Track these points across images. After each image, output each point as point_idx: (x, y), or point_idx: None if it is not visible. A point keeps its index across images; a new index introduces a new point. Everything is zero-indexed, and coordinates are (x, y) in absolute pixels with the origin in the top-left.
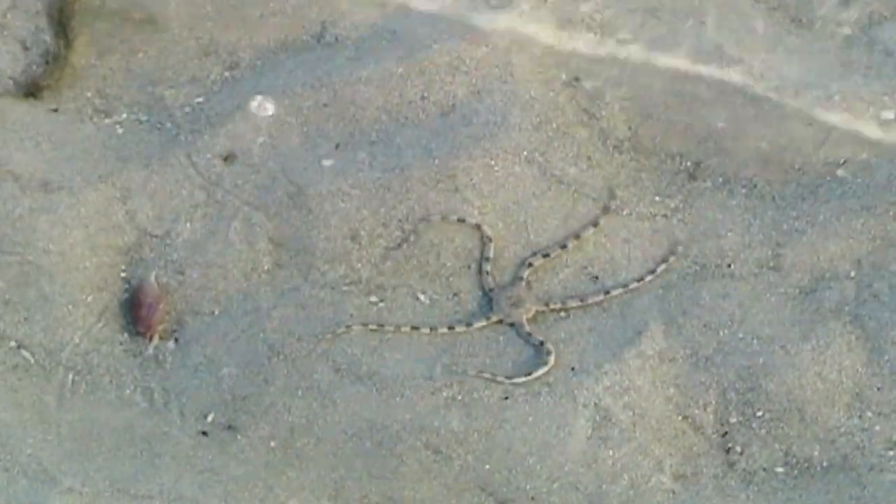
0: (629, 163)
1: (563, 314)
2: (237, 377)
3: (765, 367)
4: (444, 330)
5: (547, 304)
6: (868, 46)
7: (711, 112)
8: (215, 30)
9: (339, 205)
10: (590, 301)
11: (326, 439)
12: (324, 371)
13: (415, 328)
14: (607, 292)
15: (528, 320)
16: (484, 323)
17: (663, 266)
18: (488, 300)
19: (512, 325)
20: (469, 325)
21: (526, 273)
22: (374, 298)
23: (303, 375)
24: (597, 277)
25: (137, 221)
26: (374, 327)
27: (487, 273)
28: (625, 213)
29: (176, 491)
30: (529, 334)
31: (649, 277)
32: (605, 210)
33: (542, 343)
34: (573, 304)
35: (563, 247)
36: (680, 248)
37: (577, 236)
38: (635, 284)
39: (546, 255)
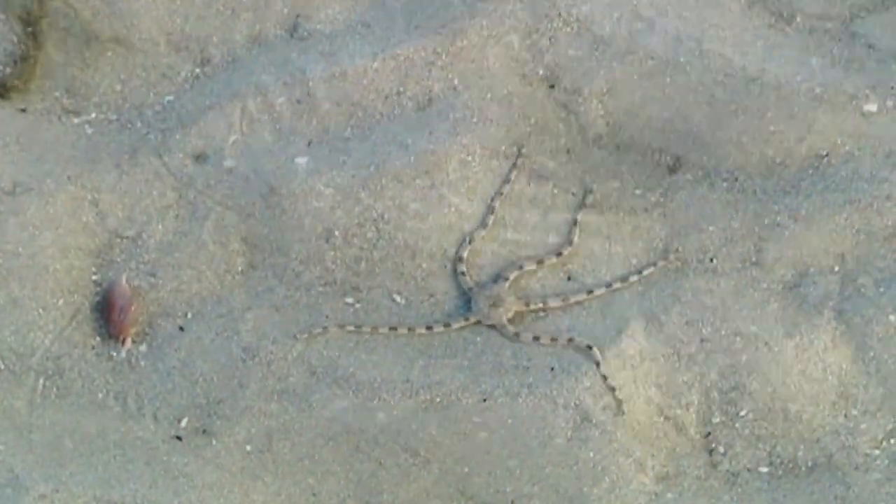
0: (608, 157)
1: (541, 313)
2: (211, 380)
3: (748, 365)
4: (423, 330)
5: (527, 304)
6: (850, 40)
7: (691, 106)
8: (186, 26)
9: (312, 204)
10: (572, 300)
11: (303, 443)
12: (299, 374)
13: (392, 328)
14: (590, 291)
15: (508, 321)
16: (462, 323)
17: (650, 269)
18: (466, 300)
19: (492, 326)
20: (447, 325)
21: (513, 275)
22: (349, 299)
23: (278, 378)
24: (569, 278)
25: (108, 223)
26: (351, 328)
27: (463, 273)
28: (605, 208)
29: (150, 497)
30: (516, 334)
31: (634, 278)
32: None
33: (536, 338)
34: (554, 303)
35: (559, 255)
36: (672, 254)
37: (570, 242)
38: (619, 285)
39: (540, 262)
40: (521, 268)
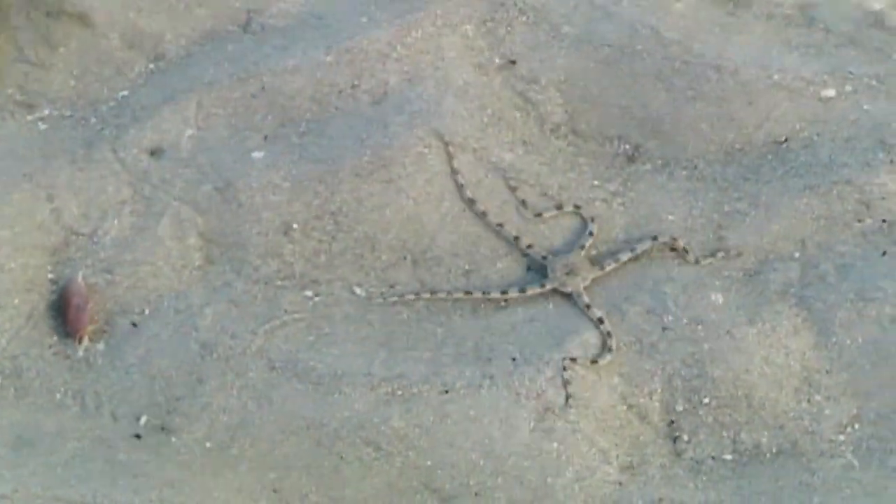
0: (567, 147)
1: (503, 303)
2: (170, 377)
3: (711, 352)
4: (496, 294)
5: (602, 268)
6: (807, 25)
7: (649, 94)
8: (139, 21)
9: (270, 198)
10: (639, 250)
11: (264, 439)
12: (259, 369)
13: (467, 293)
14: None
15: (585, 289)
16: (538, 290)
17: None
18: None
19: (568, 294)
20: (523, 290)
21: (588, 242)
22: (308, 293)
23: (237, 374)
24: (529, 268)
25: (63, 220)
26: (427, 295)
27: (530, 246)
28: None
29: (110, 496)
30: (588, 307)
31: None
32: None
33: (601, 321)
34: (624, 257)
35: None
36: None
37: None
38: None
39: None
40: (591, 234)
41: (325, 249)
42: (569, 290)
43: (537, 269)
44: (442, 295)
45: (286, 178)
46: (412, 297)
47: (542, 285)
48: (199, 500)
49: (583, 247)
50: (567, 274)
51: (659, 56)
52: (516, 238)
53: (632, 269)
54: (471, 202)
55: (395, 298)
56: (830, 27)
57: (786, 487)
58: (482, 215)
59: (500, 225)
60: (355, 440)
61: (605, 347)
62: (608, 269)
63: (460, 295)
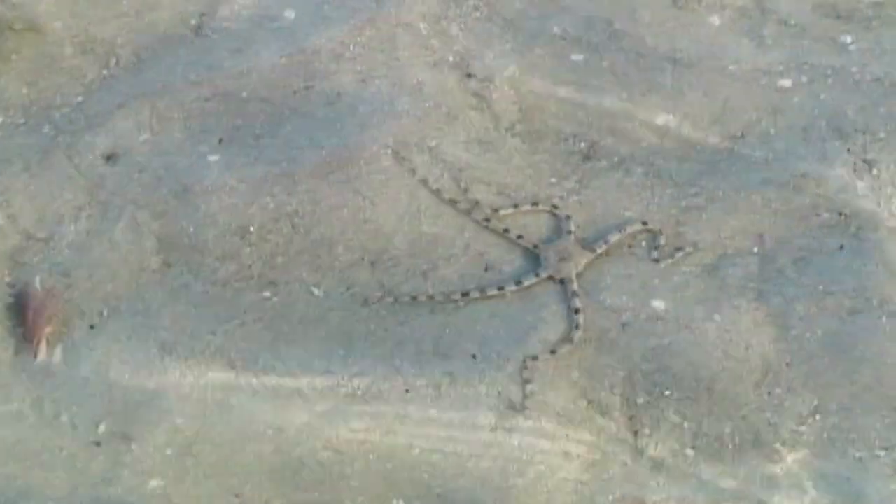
0: (522, 145)
1: (460, 303)
2: (128, 383)
3: (671, 347)
4: (495, 291)
5: (594, 251)
6: (762, 16)
7: (604, 90)
8: (91, 28)
9: (226, 200)
10: (629, 230)
11: (224, 444)
12: (218, 372)
13: (465, 294)
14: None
15: (577, 275)
16: (534, 280)
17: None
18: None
19: (562, 281)
20: (519, 283)
21: (573, 226)
22: (266, 294)
23: (197, 378)
24: (486, 269)
25: (20, 225)
26: (423, 298)
27: (520, 237)
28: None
29: None
30: (574, 294)
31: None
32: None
33: (577, 311)
34: (613, 238)
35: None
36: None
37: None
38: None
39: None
40: (569, 217)
41: (282, 251)
42: (562, 276)
43: (495, 269)
44: (440, 298)
45: (242, 180)
46: (408, 299)
47: (537, 274)
48: None
49: (570, 231)
50: (560, 260)
51: (613, 49)
52: (505, 230)
53: (591, 266)
54: (453, 202)
55: (391, 300)
56: (785, 17)
57: (748, 480)
58: (466, 213)
59: (487, 220)
60: (315, 444)
61: (566, 339)
62: (600, 251)
63: (458, 297)
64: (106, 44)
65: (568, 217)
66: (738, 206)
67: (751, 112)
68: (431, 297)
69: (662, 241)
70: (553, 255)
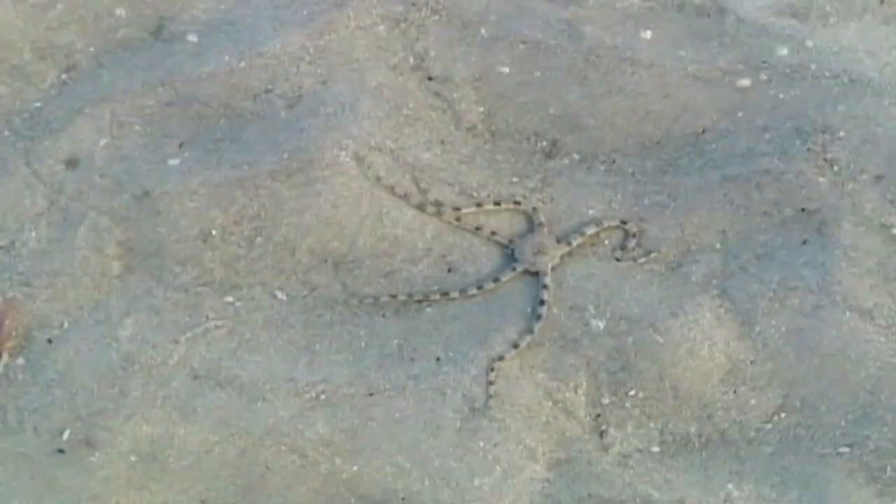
0: (484, 145)
1: (427, 307)
2: (91, 390)
3: (635, 346)
4: (474, 291)
5: (570, 243)
6: (720, 15)
7: (564, 89)
8: (49, 33)
9: (187, 205)
10: (605, 224)
11: (189, 450)
12: (182, 378)
13: (444, 294)
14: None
15: (552, 268)
16: (511, 275)
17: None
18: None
19: (535, 273)
20: (496, 280)
21: (543, 218)
22: (229, 298)
23: (160, 384)
24: (450, 270)
25: None
26: (403, 297)
27: (494, 233)
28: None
29: None
30: (545, 287)
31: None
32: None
33: (542, 302)
34: (590, 231)
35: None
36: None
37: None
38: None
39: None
40: (534, 209)
41: (244, 254)
42: (536, 269)
43: (458, 270)
44: (419, 297)
45: (203, 184)
46: (387, 299)
47: (514, 269)
48: None
49: (541, 224)
50: (535, 254)
51: (572, 50)
52: (477, 228)
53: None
54: (421, 206)
55: (370, 301)
56: (742, 16)
57: (715, 477)
58: (437, 214)
59: (458, 219)
60: (280, 448)
61: (527, 330)
62: (575, 244)
63: (437, 297)
64: (65, 48)
65: (535, 209)
66: (701, 204)
67: (711, 111)
68: (410, 296)
69: (632, 243)
70: (528, 250)
